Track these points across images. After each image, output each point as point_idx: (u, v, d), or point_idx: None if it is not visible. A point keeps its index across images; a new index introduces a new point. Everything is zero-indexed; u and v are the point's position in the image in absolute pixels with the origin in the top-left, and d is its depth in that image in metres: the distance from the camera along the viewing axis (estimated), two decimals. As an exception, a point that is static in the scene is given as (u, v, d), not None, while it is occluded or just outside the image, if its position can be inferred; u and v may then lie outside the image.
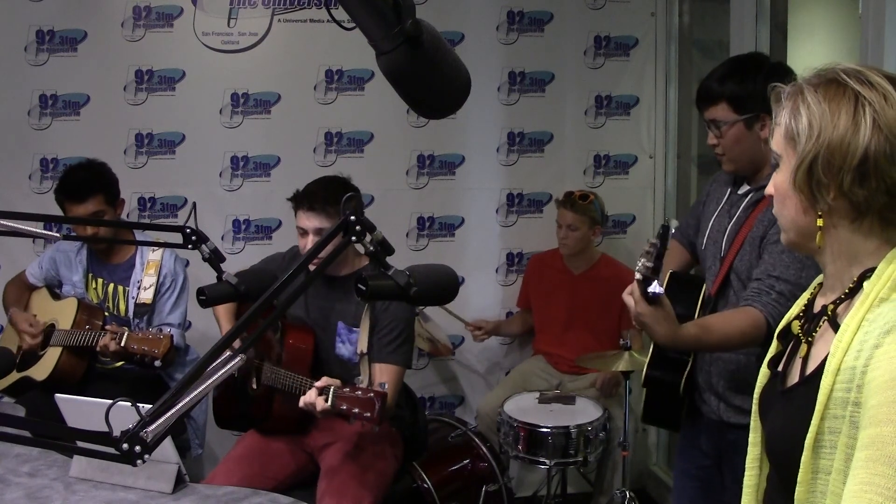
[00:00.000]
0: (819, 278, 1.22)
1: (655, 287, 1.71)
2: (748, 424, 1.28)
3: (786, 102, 1.13)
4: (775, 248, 1.89)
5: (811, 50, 3.37)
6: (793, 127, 1.10)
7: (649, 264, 1.70)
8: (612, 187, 3.75)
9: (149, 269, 2.87)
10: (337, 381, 2.16)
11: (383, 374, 2.39)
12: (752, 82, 1.95)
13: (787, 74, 2.00)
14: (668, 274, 2.21)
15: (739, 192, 2.09)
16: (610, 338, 3.44)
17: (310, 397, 2.14)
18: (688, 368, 2.08)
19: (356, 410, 2.07)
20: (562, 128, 3.74)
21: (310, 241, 2.45)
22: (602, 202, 3.47)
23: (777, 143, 1.14)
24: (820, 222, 1.09)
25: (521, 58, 3.67)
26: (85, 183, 2.78)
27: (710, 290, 2.09)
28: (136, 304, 2.84)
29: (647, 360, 2.15)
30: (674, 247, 2.34)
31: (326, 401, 2.10)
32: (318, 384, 2.16)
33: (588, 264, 3.52)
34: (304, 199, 2.46)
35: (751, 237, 1.97)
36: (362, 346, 2.41)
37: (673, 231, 1.75)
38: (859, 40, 2.33)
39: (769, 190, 1.18)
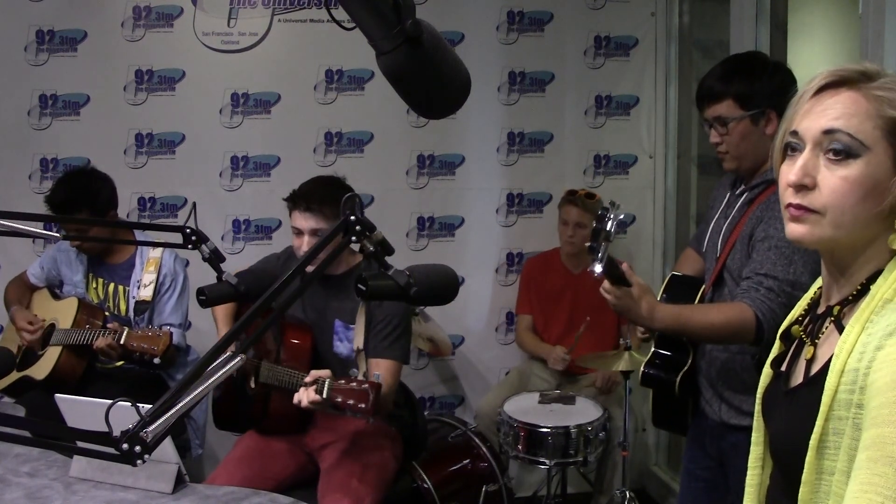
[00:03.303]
0: (819, 281, 1.21)
1: (595, 266, 1.74)
2: (748, 427, 1.28)
3: None
4: (762, 245, 1.91)
5: (811, 50, 3.37)
6: None
7: (586, 243, 1.74)
8: (612, 187, 3.75)
9: (148, 267, 2.88)
10: (328, 372, 2.17)
11: (379, 369, 2.39)
12: (759, 80, 1.97)
13: (788, 73, 2.02)
14: (670, 275, 2.25)
15: (736, 192, 2.11)
16: (610, 338, 3.44)
17: (303, 391, 2.15)
18: (685, 368, 2.09)
19: (350, 402, 2.07)
20: (562, 128, 3.74)
21: (305, 242, 2.45)
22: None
23: (864, 130, 1.05)
24: None
25: (521, 58, 3.67)
26: (69, 201, 2.76)
27: (706, 289, 2.10)
28: (136, 302, 2.85)
29: (646, 358, 2.17)
30: (690, 254, 2.39)
31: (322, 393, 2.11)
32: (309, 378, 2.16)
33: (587, 263, 3.51)
34: (300, 200, 2.45)
35: (741, 236, 1.99)
36: (358, 342, 2.41)
37: (613, 215, 1.76)
38: (859, 40, 2.33)
39: (838, 181, 1.05)
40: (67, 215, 2.75)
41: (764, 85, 1.95)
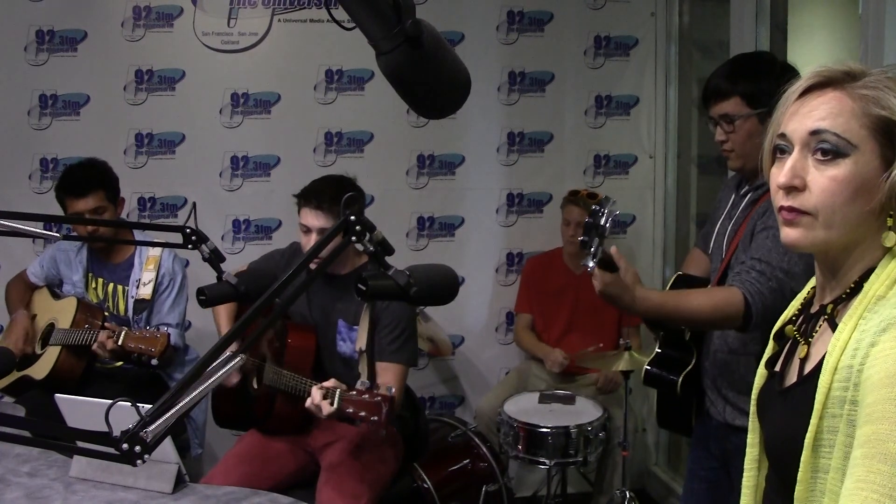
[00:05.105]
0: (812, 281, 1.21)
1: (588, 261, 1.73)
2: None
3: (884, 91, 1.06)
4: (760, 234, 1.91)
5: (811, 50, 3.37)
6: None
7: (579, 237, 1.75)
8: (612, 187, 3.75)
9: (148, 265, 2.88)
10: (343, 385, 2.13)
11: (387, 373, 2.37)
12: (766, 79, 1.95)
13: (796, 74, 2.01)
14: (675, 275, 2.24)
15: (741, 193, 2.11)
16: (610, 338, 3.44)
17: (315, 399, 2.13)
18: (688, 368, 2.08)
19: (363, 414, 2.03)
20: (562, 128, 3.74)
21: (313, 240, 2.45)
22: None
23: (850, 129, 1.05)
24: (890, 222, 1.06)
25: (521, 58, 3.67)
26: (85, 179, 2.79)
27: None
28: (135, 301, 2.85)
29: (650, 358, 2.16)
30: (697, 254, 2.37)
31: (332, 404, 2.09)
32: (325, 385, 2.14)
33: (588, 263, 3.51)
34: (312, 198, 2.43)
35: (745, 235, 2.00)
36: (361, 343, 2.40)
37: (606, 210, 1.76)
38: (859, 40, 2.33)
39: (827, 181, 1.06)
40: (78, 197, 2.75)
41: (771, 84, 1.93)
